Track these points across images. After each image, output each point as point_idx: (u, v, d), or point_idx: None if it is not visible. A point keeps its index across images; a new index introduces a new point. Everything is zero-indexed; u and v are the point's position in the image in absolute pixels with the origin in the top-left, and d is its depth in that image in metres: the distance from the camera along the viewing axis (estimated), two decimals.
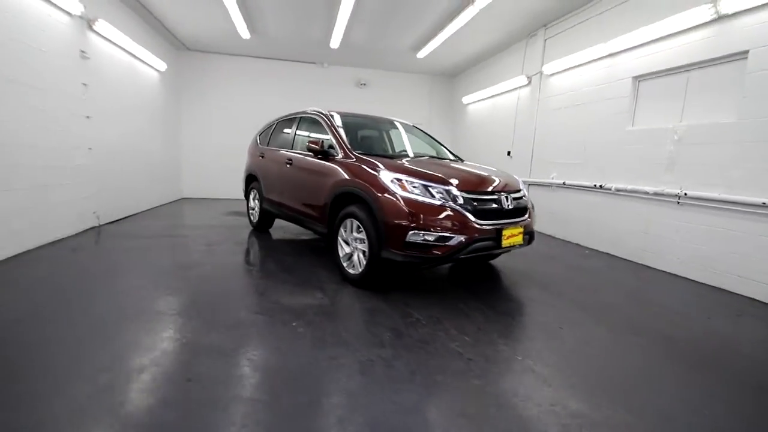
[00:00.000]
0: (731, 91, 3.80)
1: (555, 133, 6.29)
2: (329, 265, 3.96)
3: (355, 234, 3.33)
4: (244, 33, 6.99)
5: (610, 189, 5.11)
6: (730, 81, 3.81)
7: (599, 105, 5.38)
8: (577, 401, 1.88)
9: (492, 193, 3.17)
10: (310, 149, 3.94)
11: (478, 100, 9.03)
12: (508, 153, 7.76)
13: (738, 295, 3.66)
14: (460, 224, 2.92)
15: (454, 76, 10.29)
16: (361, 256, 3.26)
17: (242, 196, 6.09)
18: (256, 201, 5.48)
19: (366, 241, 3.16)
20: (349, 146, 3.72)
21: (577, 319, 2.90)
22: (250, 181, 5.71)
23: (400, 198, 2.95)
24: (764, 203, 3.43)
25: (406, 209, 2.90)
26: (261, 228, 5.53)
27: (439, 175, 3.09)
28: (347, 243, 3.45)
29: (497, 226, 3.07)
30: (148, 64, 6.83)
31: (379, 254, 3.05)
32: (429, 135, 4.94)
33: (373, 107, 9.09)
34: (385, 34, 7.19)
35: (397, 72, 10.10)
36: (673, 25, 4.21)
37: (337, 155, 3.74)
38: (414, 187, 2.98)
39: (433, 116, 10.45)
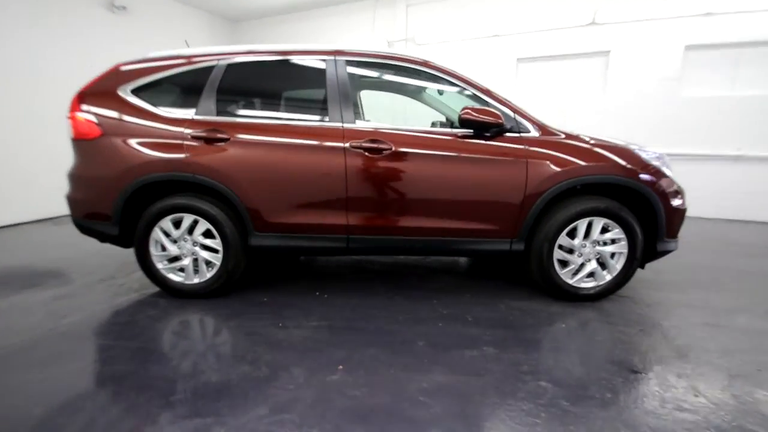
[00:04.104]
0: (600, 76, 5.61)
1: None
2: (491, 293, 2.70)
3: (596, 236, 2.48)
4: None
5: None
6: (599, 69, 5.59)
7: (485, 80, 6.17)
8: None
9: None
10: (469, 123, 2.34)
11: None
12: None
13: None
14: None
15: (238, 21, 7.93)
16: (610, 260, 2.52)
17: None
18: (199, 238, 2.45)
19: (624, 240, 2.48)
20: (537, 118, 2.53)
21: None
22: (149, 197, 2.47)
23: (673, 178, 2.52)
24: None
25: (679, 189, 2.54)
26: (223, 290, 2.59)
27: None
28: (569, 251, 2.52)
29: None
30: None
31: (647, 250, 2.54)
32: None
33: (133, 47, 5.60)
34: None
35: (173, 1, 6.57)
36: (557, 22, 5.51)
37: (529, 132, 2.47)
38: (668, 162, 2.61)
39: None
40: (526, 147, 2.44)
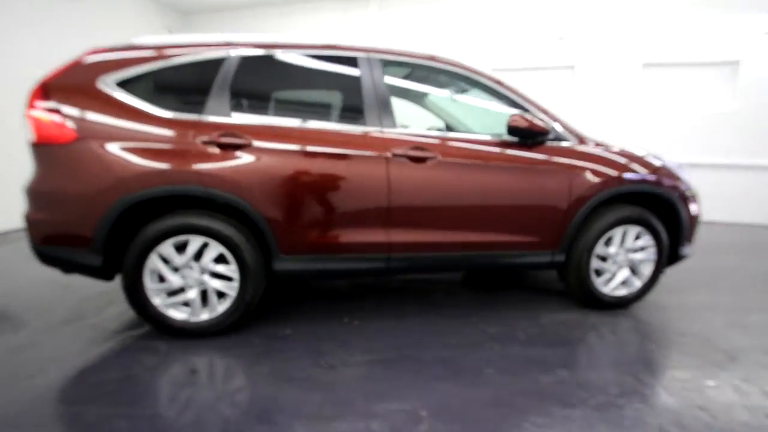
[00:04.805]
0: (566, 88, 5.90)
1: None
2: (524, 306, 2.61)
3: (629, 244, 2.50)
4: None
5: None
6: (566, 80, 5.88)
7: None
8: None
9: None
10: (517, 131, 2.22)
11: None
12: None
13: None
14: None
15: (189, 14, 7.17)
16: (642, 268, 2.55)
17: None
18: (209, 265, 2.03)
19: (654, 247, 2.53)
20: (573, 127, 2.47)
21: None
22: (150, 215, 2.00)
23: (692, 185, 2.61)
24: None
25: (695, 195, 2.65)
26: (236, 325, 2.14)
27: None
28: (603, 260, 2.51)
29: None
30: None
31: (671, 255, 2.62)
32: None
33: (67, 35, 4.84)
34: None
35: None
36: (529, 35, 5.73)
37: (568, 140, 2.41)
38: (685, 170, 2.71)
39: None
40: (569, 156, 2.39)
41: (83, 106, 1.95)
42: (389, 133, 2.18)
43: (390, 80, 2.34)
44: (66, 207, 1.95)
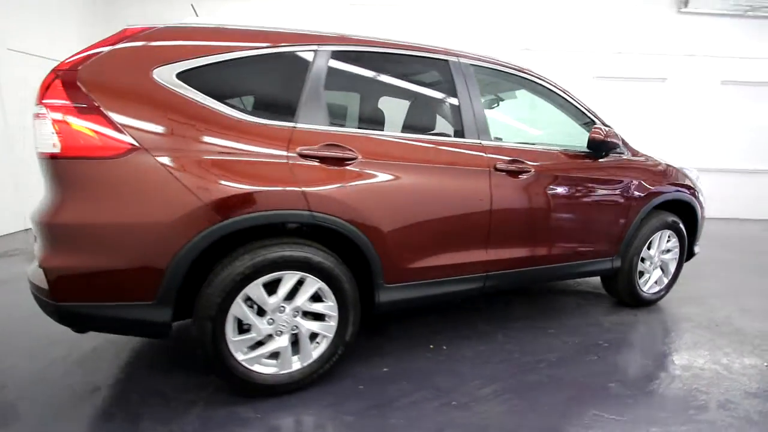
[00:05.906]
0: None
1: None
2: (574, 311, 2.71)
3: (663, 246, 2.76)
4: None
5: None
6: None
7: None
8: None
9: None
10: (595, 144, 2.27)
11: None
12: None
13: None
14: None
15: None
16: (670, 267, 2.85)
17: None
18: (305, 304, 1.66)
19: (678, 248, 2.83)
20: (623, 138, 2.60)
21: None
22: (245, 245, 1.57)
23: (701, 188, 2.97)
24: None
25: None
26: (332, 370, 1.76)
27: None
28: (642, 261, 2.72)
29: None
30: None
31: (691, 253, 2.95)
32: None
33: None
34: None
35: None
36: (496, 45, 6.00)
37: (623, 153, 2.54)
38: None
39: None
40: (631, 167, 2.55)
41: (139, 107, 1.43)
42: (488, 145, 2.05)
43: (481, 86, 2.20)
44: (118, 246, 1.39)
